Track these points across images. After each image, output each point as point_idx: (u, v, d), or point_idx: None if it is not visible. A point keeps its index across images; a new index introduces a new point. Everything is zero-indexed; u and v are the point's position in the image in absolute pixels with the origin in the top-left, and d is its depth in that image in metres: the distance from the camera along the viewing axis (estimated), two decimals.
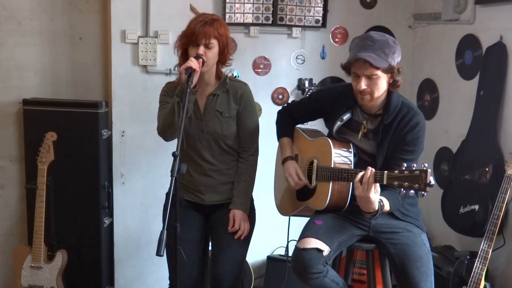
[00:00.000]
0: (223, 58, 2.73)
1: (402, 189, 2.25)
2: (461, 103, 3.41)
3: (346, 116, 2.61)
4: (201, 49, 2.61)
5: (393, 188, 2.37)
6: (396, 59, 2.47)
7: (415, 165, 2.24)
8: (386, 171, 2.29)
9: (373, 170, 2.33)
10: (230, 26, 3.55)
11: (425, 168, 2.19)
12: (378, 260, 2.72)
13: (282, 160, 2.81)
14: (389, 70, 2.45)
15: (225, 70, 3.59)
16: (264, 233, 3.25)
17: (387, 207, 2.44)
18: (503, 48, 3.05)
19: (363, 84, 2.45)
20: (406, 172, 2.23)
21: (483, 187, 3.04)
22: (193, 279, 2.66)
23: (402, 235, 2.56)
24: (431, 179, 2.18)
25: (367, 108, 2.58)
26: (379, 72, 2.43)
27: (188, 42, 2.65)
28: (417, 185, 2.20)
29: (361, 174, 2.35)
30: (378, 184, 2.33)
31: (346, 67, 2.54)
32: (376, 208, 2.37)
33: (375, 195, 2.33)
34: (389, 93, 2.53)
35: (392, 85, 2.50)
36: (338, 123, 2.61)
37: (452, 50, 3.48)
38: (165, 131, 2.67)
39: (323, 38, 3.82)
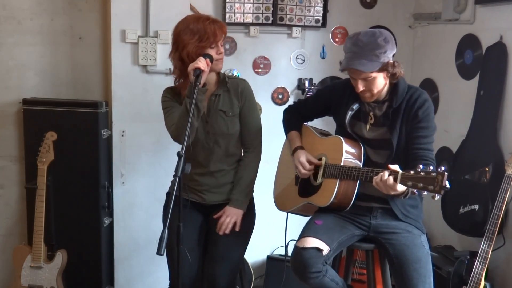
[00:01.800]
0: None
1: (415, 190, 2.23)
2: (461, 103, 3.41)
3: (355, 106, 2.63)
4: (221, 48, 2.66)
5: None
6: (389, 56, 2.48)
7: (432, 167, 2.20)
8: (400, 171, 2.27)
9: (386, 174, 2.30)
10: (230, 26, 3.57)
11: (441, 171, 2.16)
12: (378, 260, 2.72)
13: (292, 151, 2.82)
14: (383, 69, 2.47)
15: (225, 69, 3.61)
16: (264, 233, 3.25)
17: None
18: (503, 48, 3.05)
19: (360, 87, 2.50)
20: (422, 173, 2.20)
21: (483, 187, 3.03)
22: (193, 279, 2.66)
23: (401, 235, 2.56)
24: (447, 182, 2.15)
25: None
26: (373, 74, 2.46)
27: (208, 44, 2.62)
28: (432, 187, 2.17)
29: (379, 176, 2.32)
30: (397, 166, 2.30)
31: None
32: (403, 190, 2.31)
33: (399, 187, 2.28)
34: (396, 80, 2.54)
35: (392, 77, 2.52)
36: (350, 113, 2.63)
37: (452, 50, 3.48)
38: (181, 135, 2.57)
39: (323, 38, 3.82)
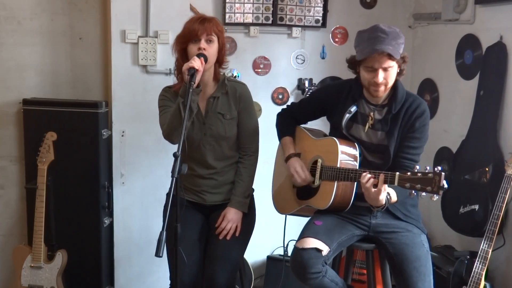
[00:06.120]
0: (220, 57, 2.73)
1: (413, 191, 2.24)
2: (461, 103, 3.41)
3: (353, 109, 2.61)
4: (203, 43, 2.61)
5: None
6: (403, 49, 2.50)
7: (428, 167, 2.22)
8: (397, 173, 2.29)
9: (383, 175, 2.32)
10: (230, 26, 3.59)
11: (438, 171, 2.18)
12: (378, 260, 2.72)
13: (286, 158, 2.81)
14: (401, 60, 2.48)
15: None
16: (264, 233, 3.25)
17: (394, 198, 2.45)
18: (503, 48, 3.05)
19: (381, 77, 2.46)
20: (419, 174, 2.21)
21: (483, 187, 3.03)
22: (193, 279, 2.65)
23: (401, 234, 2.56)
24: (444, 182, 2.16)
25: (373, 99, 2.59)
26: (394, 63, 2.45)
27: (188, 40, 2.65)
28: (429, 187, 2.18)
29: (372, 179, 2.35)
30: (386, 185, 2.33)
31: (353, 62, 2.55)
32: (384, 202, 2.38)
33: (383, 194, 2.34)
34: (394, 82, 2.55)
35: (399, 74, 2.53)
36: (347, 116, 2.61)
37: (452, 50, 3.48)
38: (172, 134, 2.64)
39: (323, 38, 3.82)
